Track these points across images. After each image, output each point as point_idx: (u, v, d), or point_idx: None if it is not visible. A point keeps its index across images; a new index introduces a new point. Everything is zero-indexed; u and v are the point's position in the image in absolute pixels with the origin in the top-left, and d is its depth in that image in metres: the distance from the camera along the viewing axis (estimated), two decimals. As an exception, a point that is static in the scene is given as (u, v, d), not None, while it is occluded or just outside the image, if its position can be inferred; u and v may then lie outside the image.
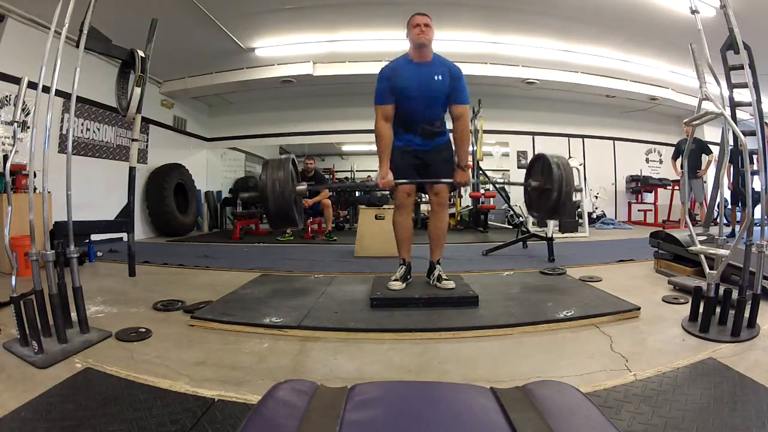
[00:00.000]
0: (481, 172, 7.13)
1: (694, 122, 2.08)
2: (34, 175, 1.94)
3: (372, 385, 0.72)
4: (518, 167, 8.58)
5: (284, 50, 6.04)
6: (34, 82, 1.85)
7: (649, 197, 8.44)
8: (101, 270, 3.69)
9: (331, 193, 6.53)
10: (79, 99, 3.08)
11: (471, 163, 7.07)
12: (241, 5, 4.77)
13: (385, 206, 4.95)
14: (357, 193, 8.75)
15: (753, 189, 2.50)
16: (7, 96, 4.14)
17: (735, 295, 1.90)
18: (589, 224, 6.46)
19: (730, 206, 5.41)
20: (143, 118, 3.54)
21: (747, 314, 1.84)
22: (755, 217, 2.06)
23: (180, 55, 5.88)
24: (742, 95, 2.18)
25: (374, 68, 6.26)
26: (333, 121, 8.29)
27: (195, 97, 7.66)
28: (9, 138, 4.05)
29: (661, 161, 9.06)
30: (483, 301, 2.30)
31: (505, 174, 10.17)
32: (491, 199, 7.95)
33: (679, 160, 6.14)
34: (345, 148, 12.22)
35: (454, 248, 4.54)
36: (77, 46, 2.16)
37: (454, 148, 2.54)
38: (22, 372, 1.53)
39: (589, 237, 5.89)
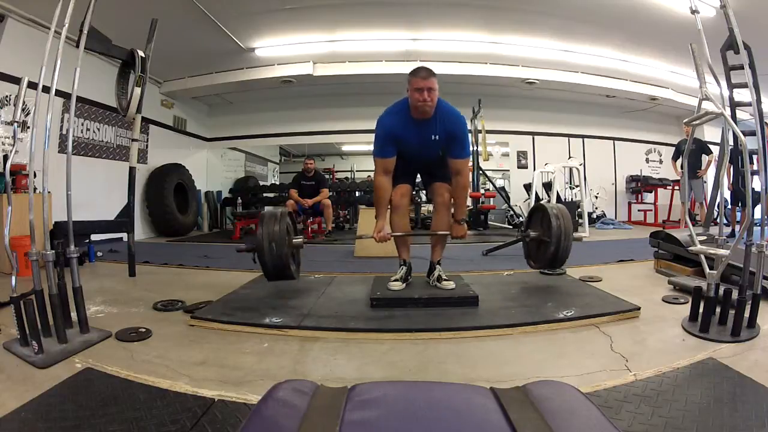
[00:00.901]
0: (481, 172, 7.14)
1: (694, 122, 2.08)
2: (34, 175, 1.94)
3: (372, 385, 0.72)
4: (518, 167, 8.58)
5: (284, 50, 6.05)
6: (34, 82, 1.85)
7: (649, 197, 8.45)
8: (101, 270, 3.69)
9: (331, 193, 6.54)
10: (79, 99, 3.08)
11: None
12: (241, 5, 4.77)
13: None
14: (357, 193, 8.76)
15: (753, 189, 2.50)
16: (7, 96, 4.14)
17: (735, 295, 1.90)
18: (589, 224, 6.45)
19: (730, 206, 5.41)
20: (143, 118, 3.55)
21: (747, 314, 1.84)
22: (755, 217, 2.06)
23: (180, 55, 5.88)
24: (742, 95, 2.18)
25: (374, 68, 6.35)
26: (333, 121, 8.30)
27: (195, 97, 7.67)
28: (9, 138, 4.05)
29: (661, 161, 9.06)
30: (483, 301, 2.30)
31: (505, 174, 10.18)
32: (491, 199, 7.96)
33: (679, 161, 6.14)
34: (345, 148, 12.24)
35: (454, 248, 4.54)
36: (77, 46, 2.17)
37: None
38: (22, 372, 1.53)
39: (589, 237, 5.88)
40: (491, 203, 7.88)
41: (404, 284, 2.48)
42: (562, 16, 5.22)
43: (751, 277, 1.89)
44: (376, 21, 5.31)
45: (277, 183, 10.41)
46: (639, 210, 8.51)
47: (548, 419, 0.58)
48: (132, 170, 3.23)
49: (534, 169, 7.66)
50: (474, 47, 6.01)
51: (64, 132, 4.68)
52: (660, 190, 8.21)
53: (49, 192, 1.92)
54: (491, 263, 3.80)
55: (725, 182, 4.67)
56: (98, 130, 5.62)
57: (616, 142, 8.85)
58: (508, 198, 7.37)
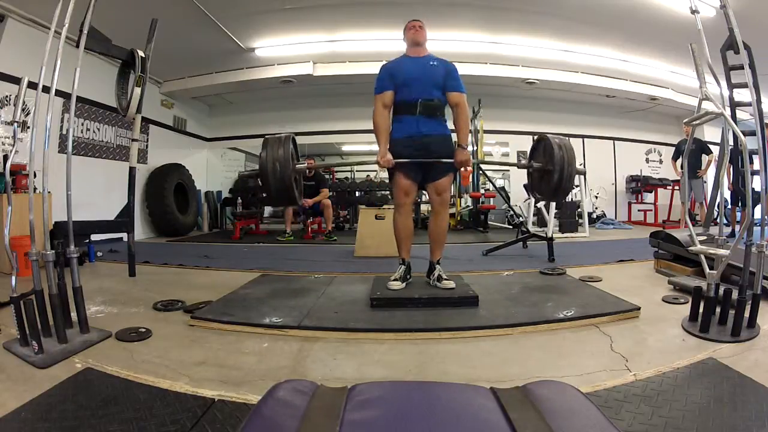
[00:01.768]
0: (481, 172, 7.14)
1: (694, 122, 2.08)
2: (34, 175, 1.94)
3: (372, 385, 0.72)
4: (518, 167, 8.57)
5: (284, 50, 6.04)
6: (34, 82, 1.85)
7: (649, 197, 8.44)
8: (101, 270, 3.69)
9: (331, 193, 6.53)
10: (79, 99, 3.08)
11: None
12: (241, 5, 4.77)
13: (385, 206, 4.95)
14: (357, 193, 8.75)
15: (753, 189, 2.50)
16: (7, 96, 4.14)
17: (735, 295, 1.90)
18: (589, 224, 6.46)
19: (730, 206, 5.41)
20: (143, 118, 3.55)
21: (747, 314, 1.84)
22: (755, 217, 2.06)
23: (180, 55, 5.88)
24: (742, 95, 2.18)
25: (374, 68, 6.25)
26: (333, 121, 8.29)
27: (195, 97, 7.66)
28: (9, 138, 4.05)
29: (661, 161, 9.06)
30: (483, 301, 2.30)
31: (505, 174, 10.17)
32: (491, 199, 7.95)
33: (679, 161, 6.14)
34: (345, 148, 12.21)
35: (454, 248, 4.54)
36: (77, 46, 2.16)
37: (454, 139, 2.54)
38: (22, 372, 1.53)
39: (589, 237, 5.89)
40: (491, 203, 7.88)
41: (404, 284, 2.49)
42: (562, 16, 5.21)
43: (751, 277, 1.89)
44: (376, 21, 5.31)
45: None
46: (639, 210, 8.51)
47: (548, 419, 0.58)
48: (132, 170, 3.23)
49: (534, 169, 7.65)
50: (474, 47, 6.01)
51: (64, 132, 4.68)
52: (660, 190, 8.21)
53: (49, 192, 1.91)
54: (491, 263, 3.80)
55: (725, 182, 4.67)
56: (98, 130, 5.62)
57: (616, 142, 8.85)
58: (508, 198, 7.35)
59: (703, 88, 2.04)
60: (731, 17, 2.01)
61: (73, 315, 1.91)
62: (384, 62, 2.65)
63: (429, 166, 2.50)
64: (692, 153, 5.62)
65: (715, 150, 6.11)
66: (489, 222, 7.15)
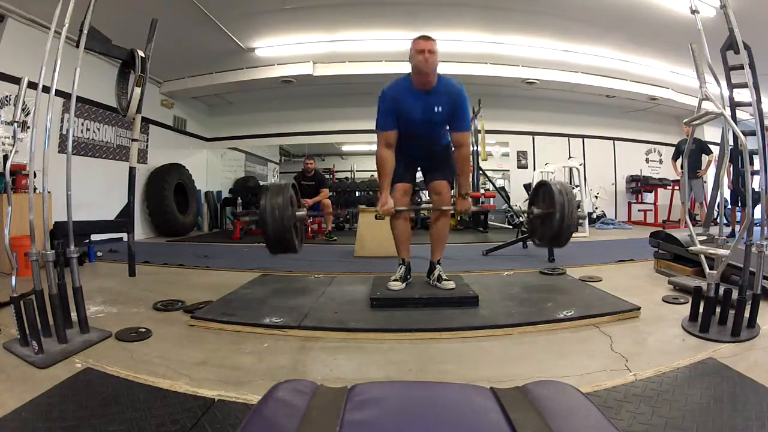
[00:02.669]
0: (481, 172, 7.14)
1: (694, 122, 2.08)
2: (34, 175, 1.94)
3: (372, 385, 0.72)
4: (518, 167, 8.58)
5: (284, 50, 6.04)
6: (34, 82, 1.85)
7: (649, 197, 8.44)
8: (101, 270, 3.69)
9: (331, 193, 6.53)
10: (79, 99, 3.07)
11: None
12: (241, 5, 4.77)
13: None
14: (357, 193, 8.75)
15: (753, 189, 2.50)
16: (7, 96, 4.14)
17: (735, 295, 1.90)
18: (589, 224, 6.46)
19: (730, 206, 5.41)
20: (143, 118, 3.54)
21: (747, 314, 1.84)
22: (755, 217, 2.06)
23: (180, 55, 5.88)
24: (742, 95, 2.18)
25: (374, 68, 6.35)
26: (333, 121, 8.30)
27: (195, 97, 7.66)
28: (9, 138, 4.05)
29: (661, 161, 9.06)
30: (483, 301, 2.30)
31: (505, 174, 10.17)
32: (491, 199, 7.95)
33: (679, 161, 6.14)
34: (345, 148, 12.22)
35: (454, 248, 4.54)
36: (77, 46, 2.16)
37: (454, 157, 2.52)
38: (22, 372, 1.53)
39: (589, 237, 5.89)
40: (491, 203, 7.88)
41: (404, 284, 2.49)
42: (562, 16, 5.21)
43: (751, 277, 1.89)
44: (376, 21, 5.30)
45: (277, 183, 10.39)
46: (639, 210, 8.50)
47: (548, 419, 0.58)
48: (132, 170, 3.22)
49: (534, 169, 7.67)
50: (474, 47, 6.00)
51: (64, 132, 4.68)
52: (660, 190, 8.21)
53: (49, 192, 1.91)
54: (491, 263, 3.80)
55: (725, 182, 4.67)
56: (98, 130, 5.62)
57: (616, 142, 8.84)
58: (508, 198, 7.36)
59: (703, 88, 2.03)
60: (731, 17, 2.01)
61: (73, 315, 1.91)
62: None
63: (427, 167, 2.51)
64: (692, 153, 5.62)
65: (715, 150, 6.11)
66: (489, 222, 7.15)
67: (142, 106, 2.82)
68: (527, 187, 7.18)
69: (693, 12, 2.15)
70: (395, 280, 2.48)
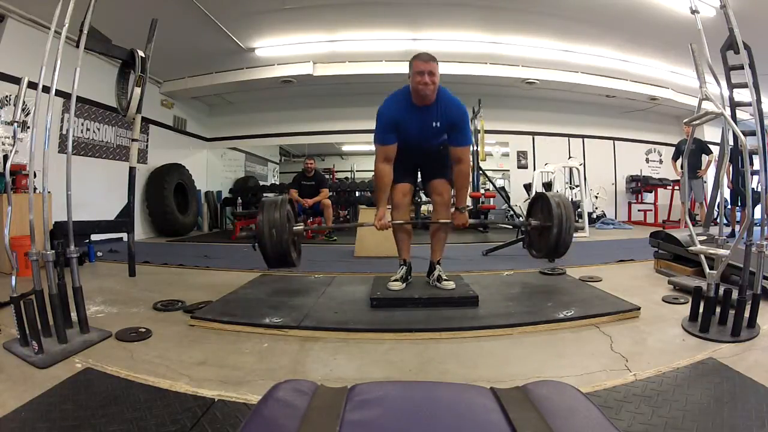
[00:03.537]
0: (481, 172, 7.14)
1: (694, 122, 2.08)
2: (34, 175, 1.94)
3: (372, 385, 0.72)
4: (518, 167, 8.58)
5: (284, 50, 6.05)
6: (34, 82, 1.85)
7: (649, 197, 8.44)
8: (101, 270, 3.69)
9: (331, 193, 6.53)
10: (79, 99, 3.08)
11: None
12: (241, 5, 4.77)
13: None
14: (357, 193, 8.75)
15: (753, 189, 2.50)
16: (7, 96, 4.14)
17: (735, 295, 1.90)
18: (589, 224, 6.46)
19: (730, 206, 5.41)
20: (143, 118, 3.55)
21: (747, 314, 1.84)
22: (755, 217, 2.06)
23: (180, 55, 5.88)
24: (742, 95, 2.18)
25: (374, 68, 6.35)
26: (333, 121, 8.30)
27: (195, 97, 7.66)
28: (9, 138, 4.05)
29: (661, 161, 9.06)
30: (483, 301, 2.30)
31: (505, 174, 10.17)
32: (491, 199, 7.95)
33: (679, 161, 6.13)
34: (345, 148, 12.23)
35: (454, 248, 4.54)
36: (77, 46, 2.17)
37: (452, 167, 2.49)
38: (22, 372, 1.53)
39: (589, 237, 5.89)
40: (491, 203, 7.88)
41: (404, 284, 2.48)
42: (562, 16, 5.21)
43: (751, 277, 1.89)
44: (376, 21, 5.30)
45: (277, 183, 10.41)
46: (639, 210, 8.50)
47: (548, 419, 0.58)
48: (132, 170, 3.23)
49: (534, 169, 7.66)
50: (474, 47, 6.01)
51: (64, 132, 4.68)
52: (660, 190, 8.21)
53: (49, 192, 1.91)
54: (491, 263, 3.80)
55: (725, 182, 4.67)
56: (98, 130, 5.62)
57: (616, 142, 8.84)
58: (508, 198, 7.36)
59: (703, 88, 2.04)
60: (731, 17, 2.01)
61: (73, 315, 1.91)
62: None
63: (430, 163, 2.51)
64: (692, 153, 5.62)
65: (715, 150, 6.11)
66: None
67: (142, 106, 2.83)
68: (527, 187, 7.19)
69: (693, 12, 2.15)
70: (395, 280, 2.48)
